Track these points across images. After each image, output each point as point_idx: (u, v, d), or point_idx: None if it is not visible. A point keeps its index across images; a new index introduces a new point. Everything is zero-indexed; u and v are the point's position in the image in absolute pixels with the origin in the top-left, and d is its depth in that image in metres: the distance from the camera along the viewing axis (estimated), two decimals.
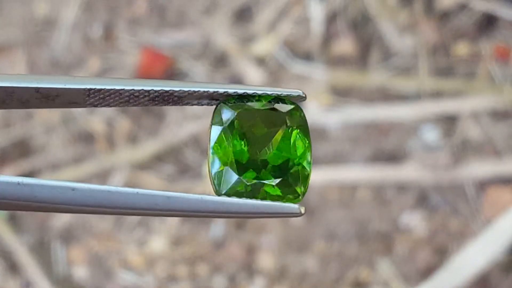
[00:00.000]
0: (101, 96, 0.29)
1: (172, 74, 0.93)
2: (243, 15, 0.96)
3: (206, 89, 0.30)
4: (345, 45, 0.93)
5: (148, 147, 0.90)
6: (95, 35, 0.96)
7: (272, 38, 0.94)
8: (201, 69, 0.93)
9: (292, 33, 0.94)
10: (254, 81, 0.92)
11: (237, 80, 0.93)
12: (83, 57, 0.95)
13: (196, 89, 0.29)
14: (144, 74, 0.93)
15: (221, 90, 0.30)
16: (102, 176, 0.89)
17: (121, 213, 0.28)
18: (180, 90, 0.29)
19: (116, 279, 0.85)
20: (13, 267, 0.86)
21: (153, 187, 0.88)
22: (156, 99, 0.30)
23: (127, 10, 0.97)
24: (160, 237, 0.86)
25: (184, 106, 0.30)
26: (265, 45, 0.94)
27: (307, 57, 0.93)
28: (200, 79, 0.93)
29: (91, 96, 0.29)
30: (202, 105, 0.30)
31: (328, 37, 0.94)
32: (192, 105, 0.30)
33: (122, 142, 0.91)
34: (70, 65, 0.95)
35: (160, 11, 0.96)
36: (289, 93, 0.30)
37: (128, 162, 0.90)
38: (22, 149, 0.91)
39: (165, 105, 0.30)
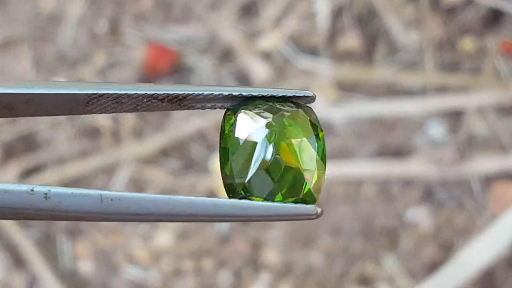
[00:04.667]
0: (102, 101, 0.28)
1: (178, 69, 0.94)
2: (249, 10, 0.96)
3: (210, 92, 0.29)
4: (351, 40, 0.93)
5: (154, 142, 0.90)
6: (101, 30, 0.96)
7: (277, 33, 0.94)
8: (207, 64, 0.93)
9: (298, 28, 0.94)
10: (260, 76, 0.92)
11: (243, 75, 0.92)
12: (89, 52, 0.95)
13: (201, 92, 0.29)
14: (150, 69, 0.93)
15: (226, 93, 0.29)
16: (108, 171, 0.89)
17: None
18: (184, 93, 0.29)
19: (122, 273, 0.85)
20: (19, 262, 0.86)
21: (159, 182, 0.88)
22: (158, 100, 0.29)
23: (132, 5, 0.97)
24: (165, 231, 0.86)
25: None
26: (270, 40, 0.94)
27: (313, 52, 0.93)
28: (206, 74, 0.93)
29: (91, 102, 0.28)
30: (206, 108, 0.30)
31: (333, 32, 0.93)
32: (196, 108, 0.29)
33: (128, 137, 0.91)
34: (76, 60, 0.95)
35: (165, 6, 0.96)
36: (297, 94, 0.30)
37: (134, 156, 0.90)
38: (27, 144, 0.91)
39: (169, 108, 0.29)
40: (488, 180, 0.85)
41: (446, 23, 0.92)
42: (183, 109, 0.29)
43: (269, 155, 0.28)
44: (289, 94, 0.30)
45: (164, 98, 0.29)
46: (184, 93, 0.29)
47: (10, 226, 0.87)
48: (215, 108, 0.30)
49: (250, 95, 0.29)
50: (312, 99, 0.30)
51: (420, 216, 0.85)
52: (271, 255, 0.85)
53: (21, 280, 0.85)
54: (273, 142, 0.28)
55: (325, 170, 0.29)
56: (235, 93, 0.29)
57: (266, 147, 0.28)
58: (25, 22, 0.96)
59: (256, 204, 0.28)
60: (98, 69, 0.94)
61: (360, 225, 0.85)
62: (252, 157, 0.28)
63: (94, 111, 0.29)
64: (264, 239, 0.85)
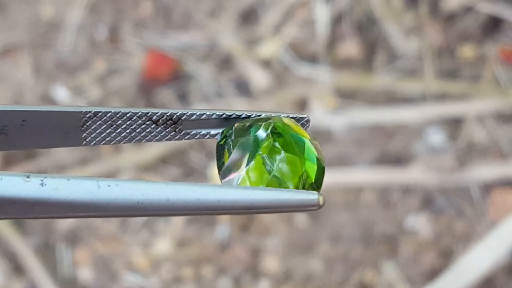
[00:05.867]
0: (97, 124, 0.29)
1: (177, 76, 0.94)
2: (248, 18, 0.96)
3: (203, 112, 0.29)
4: (350, 47, 0.93)
5: (153, 150, 0.90)
6: (101, 37, 0.96)
7: (277, 40, 0.94)
8: (206, 71, 0.93)
9: (298, 36, 0.94)
10: (259, 83, 0.92)
11: (242, 82, 0.93)
12: (89, 59, 0.95)
13: (194, 112, 0.29)
14: (150, 76, 0.94)
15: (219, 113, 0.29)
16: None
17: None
18: (178, 113, 0.29)
19: (121, 281, 0.85)
20: (18, 269, 0.86)
21: None
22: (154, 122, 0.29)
23: (132, 12, 0.97)
24: (165, 239, 0.86)
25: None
26: (270, 48, 0.94)
27: (312, 59, 0.93)
28: (205, 81, 0.93)
29: (86, 125, 0.28)
30: (201, 136, 0.30)
31: (333, 40, 0.94)
32: (191, 136, 0.29)
33: (128, 144, 0.91)
34: (76, 67, 0.95)
35: (165, 13, 0.97)
36: (295, 116, 0.30)
37: (134, 164, 0.90)
38: (27, 151, 0.91)
39: (164, 136, 0.29)
40: (488, 187, 0.85)
41: (446, 30, 0.92)
42: (178, 137, 0.29)
43: (267, 144, 0.28)
44: (283, 115, 0.30)
45: (159, 119, 0.29)
46: (178, 113, 0.29)
47: (10, 234, 0.87)
48: (209, 137, 0.30)
49: (244, 116, 0.29)
50: (307, 121, 0.30)
51: (419, 223, 0.85)
52: (271, 262, 0.85)
53: (21, 287, 0.85)
54: (270, 132, 0.28)
55: (323, 167, 0.29)
56: (228, 113, 0.29)
57: (263, 137, 0.28)
58: (25, 29, 0.96)
59: (257, 190, 0.27)
60: (98, 76, 0.94)
61: (360, 232, 0.85)
62: (249, 149, 0.28)
63: (89, 140, 0.29)
64: (263, 246, 0.85)
